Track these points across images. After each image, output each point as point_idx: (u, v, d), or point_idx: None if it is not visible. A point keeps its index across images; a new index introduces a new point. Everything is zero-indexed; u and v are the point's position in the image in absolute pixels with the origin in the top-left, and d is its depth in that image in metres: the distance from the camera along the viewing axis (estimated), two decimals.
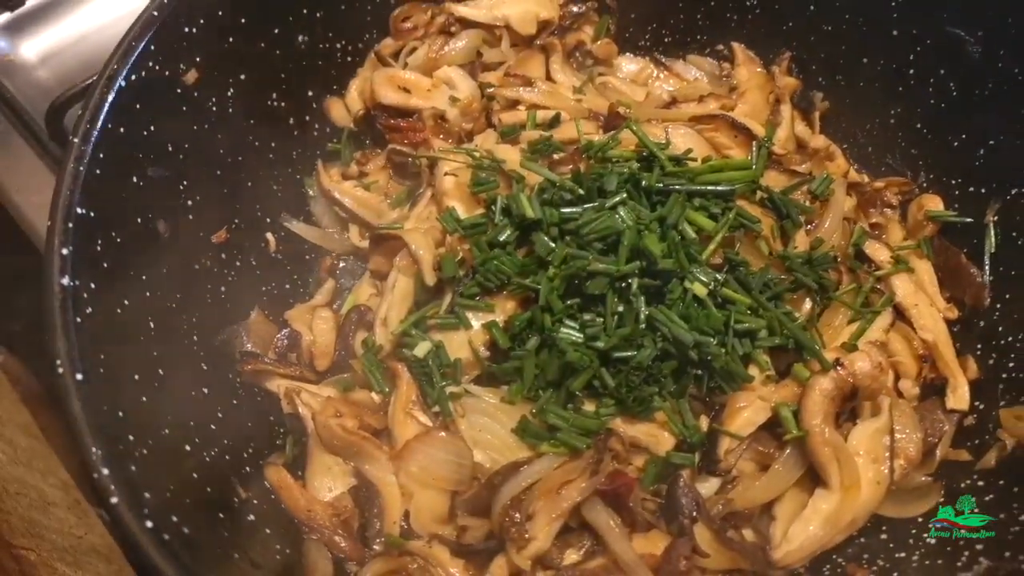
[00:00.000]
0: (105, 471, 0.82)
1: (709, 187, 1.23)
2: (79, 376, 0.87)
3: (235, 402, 1.14)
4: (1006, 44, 1.23)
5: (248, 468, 1.08)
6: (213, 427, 1.07)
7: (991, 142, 1.28)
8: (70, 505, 1.48)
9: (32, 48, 1.76)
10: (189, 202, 1.18)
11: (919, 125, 1.38)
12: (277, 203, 1.36)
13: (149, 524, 0.81)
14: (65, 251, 0.94)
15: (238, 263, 1.26)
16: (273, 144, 1.35)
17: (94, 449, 0.83)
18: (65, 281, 0.93)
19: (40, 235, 1.47)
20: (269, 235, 1.33)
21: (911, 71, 1.37)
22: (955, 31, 1.30)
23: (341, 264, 1.41)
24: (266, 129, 1.33)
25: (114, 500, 0.81)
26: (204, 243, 1.21)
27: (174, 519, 0.85)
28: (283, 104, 1.36)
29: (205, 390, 1.09)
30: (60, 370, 0.87)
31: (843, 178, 1.41)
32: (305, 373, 1.21)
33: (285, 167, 1.38)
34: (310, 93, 1.41)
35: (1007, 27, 1.23)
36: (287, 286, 1.35)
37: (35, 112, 1.59)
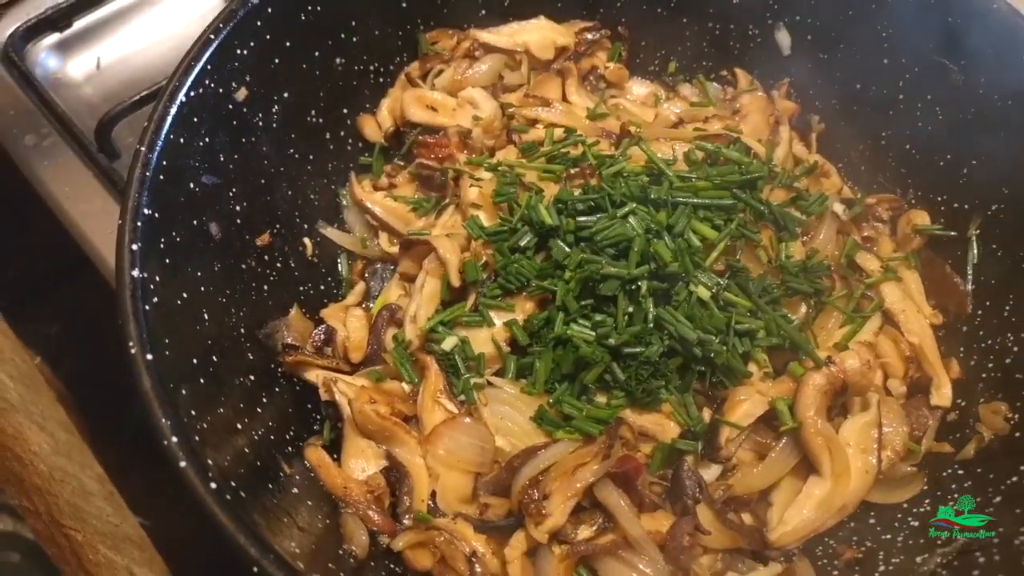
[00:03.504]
0: (174, 439, 0.92)
1: (714, 200, 1.35)
2: (149, 356, 0.97)
3: (277, 390, 1.24)
4: (985, 72, 1.34)
5: (290, 448, 1.18)
6: (259, 410, 1.17)
7: (973, 162, 1.38)
8: (106, 496, 1.58)
9: (78, 67, 1.87)
10: (237, 207, 1.29)
11: (908, 146, 1.48)
12: (314, 211, 1.46)
13: (213, 485, 0.90)
14: (135, 247, 1.05)
15: (279, 264, 1.36)
16: (311, 157, 1.46)
17: (164, 420, 0.93)
18: (135, 273, 1.03)
19: (89, 240, 1.59)
20: (307, 240, 1.43)
21: (900, 96, 1.48)
22: (941, 60, 1.41)
23: (371, 268, 1.49)
24: (305, 143, 1.44)
25: (182, 464, 0.91)
26: (250, 245, 1.31)
27: (233, 484, 0.95)
28: (321, 120, 1.47)
29: (251, 377, 1.20)
30: (132, 350, 0.97)
31: (837, 194, 1.53)
32: (341, 365, 1.31)
33: (321, 178, 1.49)
34: (345, 111, 1.52)
35: (986, 57, 1.34)
36: (322, 287, 1.45)
37: (83, 126, 1.68)
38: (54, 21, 1.87)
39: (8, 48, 1.79)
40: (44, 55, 1.87)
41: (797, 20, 1.57)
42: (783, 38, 1.58)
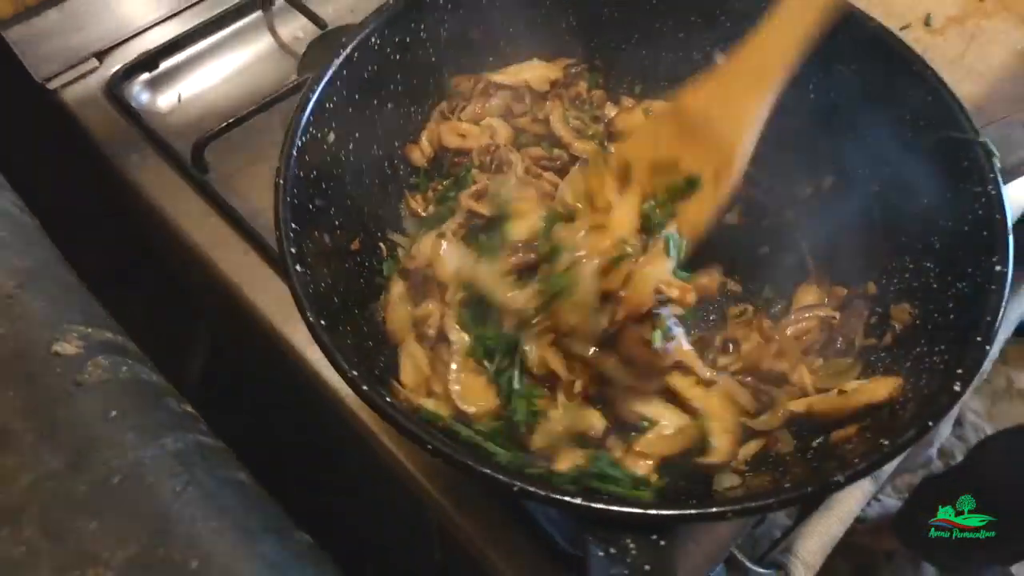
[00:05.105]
0: (354, 372, 1.33)
1: None
2: (322, 322, 1.38)
3: (386, 351, 1.66)
4: (870, 74, 1.84)
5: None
6: (380, 363, 1.59)
7: (869, 137, 1.88)
8: None
9: (164, 100, 2.35)
10: (336, 222, 1.71)
11: (820, 132, 1.96)
12: (382, 222, 1.88)
13: (388, 399, 1.32)
14: (293, 249, 1.46)
15: (366, 264, 1.78)
16: (377, 181, 1.88)
17: (344, 363, 1.33)
18: (298, 268, 1.44)
19: (186, 233, 2.06)
20: (381, 244, 1.86)
21: (810, 97, 1.96)
22: (839, 67, 1.90)
23: None
24: (372, 171, 1.86)
25: (365, 387, 1.31)
26: (347, 250, 1.73)
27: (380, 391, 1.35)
28: (380, 152, 1.89)
29: (369, 343, 1.61)
30: (310, 318, 1.38)
31: None
32: None
33: (385, 197, 1.91)
34: (396, 143, 1.95)
35: (870, 59, 1.82)
36: None
37: (175, 147, 2.17)
38: (146, 63, 2.34)
39: (111, 86, 2.27)
40: (137, 91, 2.33)
41: (728, 45, 2.05)
42: (720, 61, 2.06)
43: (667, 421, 1.46)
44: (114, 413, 1.35)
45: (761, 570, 2.82)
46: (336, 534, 1.56)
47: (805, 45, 1.48)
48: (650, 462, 1.43)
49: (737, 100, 1.44)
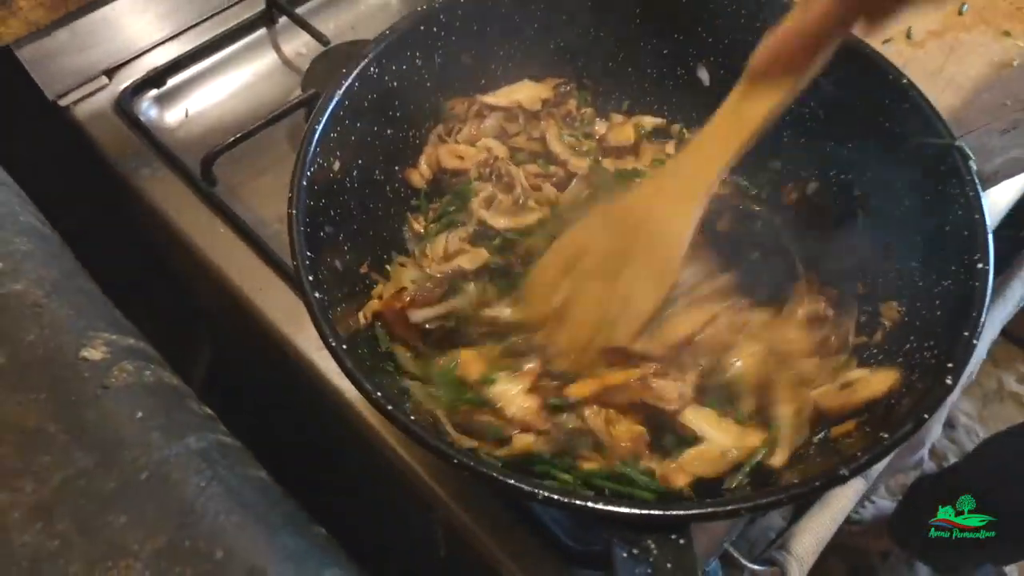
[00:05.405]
0: (379, 393, 1.38)
1: None
2: (344, 346, 1.43)
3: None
4: (848, 84, 1.93)
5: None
6: (394, 376, 1.65)
7: (850, 144, 1.97)
8: None
9: (172, 116, 2.41)
10: (346, 247, 1.76)
11: (802, 140, 2.06)
12: (387, 245, 1.93)
13: (414, 419, 1.37)
14: (310, 277, 1.51)
15: (374, 286, 1.84)
16: (380, 205, 1.94)
17: (365, 382, 1.38)
18: (317, 295, 1.49)
19: (193, 241, 2.13)
20: (387, 267, 1.91)
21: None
22: (819, 78, 1.97)
23: None
24: (375, 196, 1.91)
25: (390, 408, 1.36)
26: (357, 273, 1.79)
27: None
28: (382, 177, 1.95)
29: (378, 363, 1.67)
30: (333, 344, 1.43)
31: None
32: None
33: (388, 220, 1.96)
34: (396, 168, 2.00)
35: (848, 69, 1.91)
36: None
37: (184, 160, 2.24)
38: (154, 80, 2.40)
39: (120, 103, 2.33)
40: (146, 107, 2.39)
41: (711, 60, 2.14)
42: (703, 75, 2.15)
43: (711, 437, 1.47)
44: (140, 414, 1.42)
45: (757, 567, 2.89)
46: (337, 533, 1.62)
47: (737, 156, 1.51)
48: (688, 478, 1.49)
49: (674, 210, 1.51)
